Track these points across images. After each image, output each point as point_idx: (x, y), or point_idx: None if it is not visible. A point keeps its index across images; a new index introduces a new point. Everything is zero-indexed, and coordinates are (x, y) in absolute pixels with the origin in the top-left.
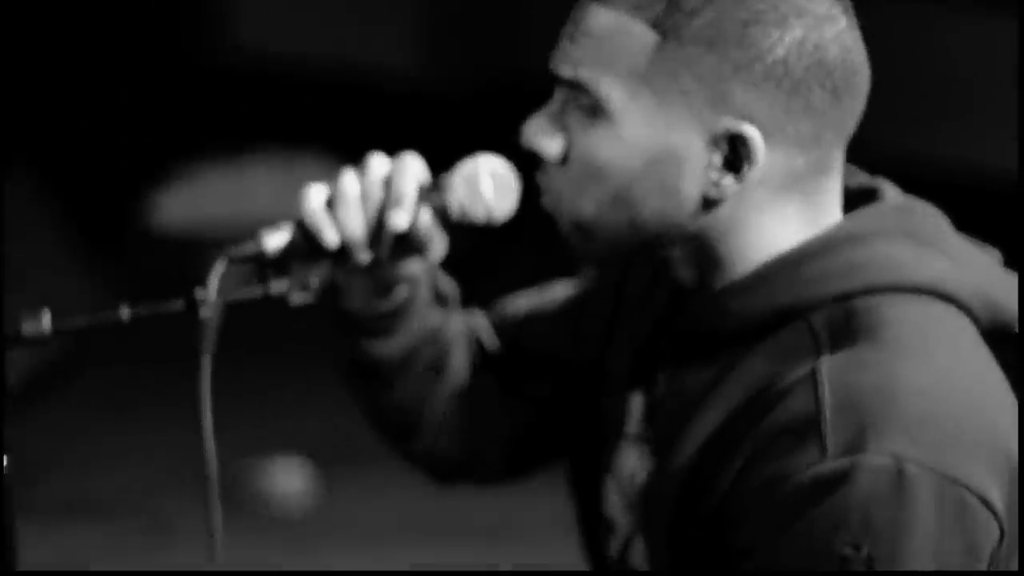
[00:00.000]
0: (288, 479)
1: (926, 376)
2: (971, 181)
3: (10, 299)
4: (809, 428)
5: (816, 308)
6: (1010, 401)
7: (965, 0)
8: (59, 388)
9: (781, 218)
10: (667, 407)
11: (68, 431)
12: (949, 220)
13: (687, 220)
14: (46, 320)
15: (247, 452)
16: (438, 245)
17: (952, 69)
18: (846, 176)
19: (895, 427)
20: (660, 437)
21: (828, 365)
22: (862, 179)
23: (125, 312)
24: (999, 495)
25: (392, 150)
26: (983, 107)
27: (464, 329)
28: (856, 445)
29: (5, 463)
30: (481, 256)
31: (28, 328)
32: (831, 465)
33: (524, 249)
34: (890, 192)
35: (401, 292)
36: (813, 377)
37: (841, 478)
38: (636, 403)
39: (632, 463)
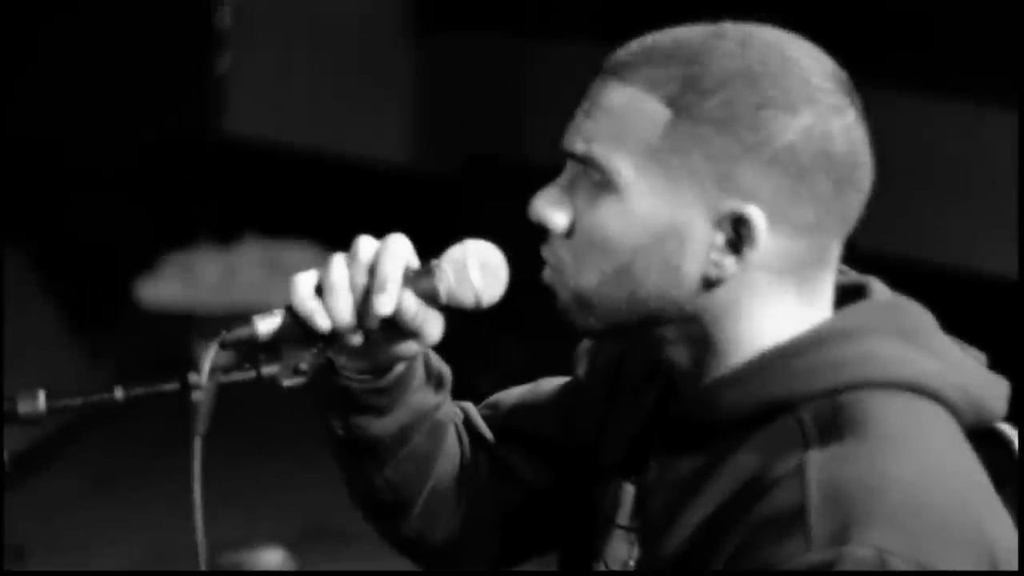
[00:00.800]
0: (267, 564)
1: (911, 470)
2: (968, 280)
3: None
4: (795, 520)
5: (805, 402)
6: (993, 498)
7: (964, 92)
8: (46, 467)
9: (777, 306)
10: (658, 495)
11: (55, 510)
12: (937, 319)
13: (686, 299)
14: (41, 399)
15: (227, 536)
16: (433, 327)
17: (951, 164)
18: (837, 273)
19: (879, 520)
20: (650, 525)
21: (815, 459)
22: (852, 276)
23: (120, 392)
24: None
25: (382, 230)
26: (981, 203)
27: (457, 414)
28: (840, 537)
29: None
30: (475, 347)
31: (24, 407)
32: (815, 556)
33: (519, 341)
34: (879, 289)
35: (397, 371)
36: (800, 470)
37: (825, 569)
38: (628, 492)
39: (623, 552)
